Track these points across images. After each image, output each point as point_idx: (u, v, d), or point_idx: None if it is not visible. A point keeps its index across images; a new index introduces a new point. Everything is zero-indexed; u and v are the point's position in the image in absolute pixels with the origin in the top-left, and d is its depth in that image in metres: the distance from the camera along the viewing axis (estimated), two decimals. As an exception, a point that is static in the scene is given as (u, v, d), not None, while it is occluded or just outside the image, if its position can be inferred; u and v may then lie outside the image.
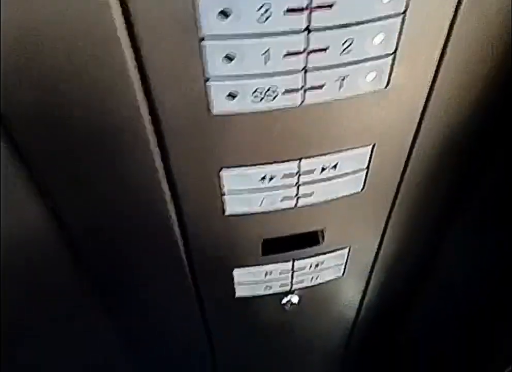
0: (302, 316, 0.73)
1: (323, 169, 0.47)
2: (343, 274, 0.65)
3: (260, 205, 0.49)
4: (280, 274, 0.60)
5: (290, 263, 0.59)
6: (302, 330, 0.77)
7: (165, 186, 0.46)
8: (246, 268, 0.59)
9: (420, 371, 0.95)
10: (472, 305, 0.72)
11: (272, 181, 0.47)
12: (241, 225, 0.52)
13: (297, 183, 0.48)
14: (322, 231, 0.56)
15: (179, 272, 0.58)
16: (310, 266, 0.61)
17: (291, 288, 0.64)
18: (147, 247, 0.54)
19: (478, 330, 0.73)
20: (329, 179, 0.48)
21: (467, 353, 0.79)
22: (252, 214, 0.51)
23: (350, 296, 0.73)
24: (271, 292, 0.63)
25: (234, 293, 0.63)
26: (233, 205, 0.49)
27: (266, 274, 0.60)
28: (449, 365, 0.86)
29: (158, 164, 0.44)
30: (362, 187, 0.51)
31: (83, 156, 0.43)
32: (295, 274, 0.61)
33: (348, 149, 0.46)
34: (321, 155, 0.45)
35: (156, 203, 0.48)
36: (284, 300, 0.66)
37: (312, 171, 0.47)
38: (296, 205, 0.50)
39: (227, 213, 0.50)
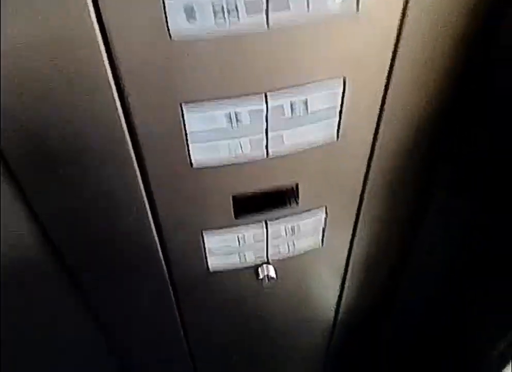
0: (282, 296, 0.68)
1: (292, 108, 0.44)
2: (322, 243, 0.61)
3: (228, 153, 0.46)
4: (254, 239, 0.56)
5: (263, 226, 0.56)
6: (283, 313, 0.73)
7: (125, 129, 0.43)
8: (218, 232, 0.55)
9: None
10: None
11: (239, 122, 0.44)
12: (210, 180, 0.49)
13: (266, 128, 0.45)
14: (295, 188, 0.53)
15: (145, 237, 0.54)
16: (286, 231, 0.57)
17: (267, 257, 0.60)
18: (110, 208, 0.50)
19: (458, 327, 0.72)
20: (300, 122, 0.45)
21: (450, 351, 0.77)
22: (220, 166, 0.47)
23: (331, 273, 0.69)
24: (246, 263, 0.59)
25: (207, 265, 0.59)
26: (199, 154, 0.46)
27: (239, 240, 0.56)
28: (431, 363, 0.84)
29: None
30: (336, 135, 0.48)
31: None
32: (270, 239, 0.57)
33: (317, 81, 0.43)
34: (289, 87, 0.42)
35: (116, 150, 0.44)
36: (261, 274, 0.62)
37: (280, 109, 0.44)
38: (266, 154, 0.47)
39: (194, 165, 0.46)
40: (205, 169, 0.47)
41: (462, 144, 0.59)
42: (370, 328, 0.87)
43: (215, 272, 0.60)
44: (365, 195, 0.58)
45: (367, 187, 0.57)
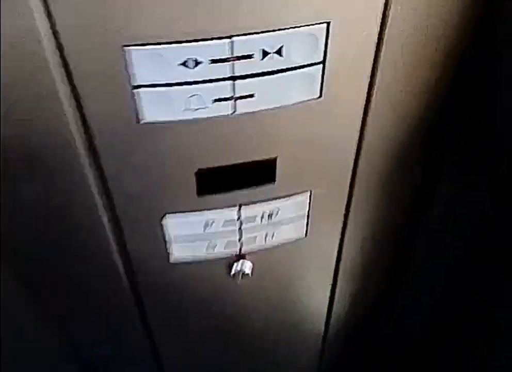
0: (259, 296, 0.59)
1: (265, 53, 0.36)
2: (306, 233, 0.52)
3: (184, 106, 0.37)
4: (224, 225, 0.47)
5: (235, 210, 0.47)
6: (263, 317, 0.63)
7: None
8: (180, 215, 0.46)
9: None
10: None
11: (199, 66, 0.35)
12: (167, 147, 0.40)
13: (231, 75, 0.36)
14: (272, 163, 0.44)
15: (96, 220, 0.45)
16: (262, 217, 0.48)
17: (240, 248, 0.51)
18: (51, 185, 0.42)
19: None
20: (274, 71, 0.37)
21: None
22: (177, 123, 0.38)
23: (319, 271, 0.60)
24: (215, 254, 0.50)
25: (168, 255, 0.49)
26: (147, 106, 0.37)
27: (206, 225, 0.47)
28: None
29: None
30: (318, 93, 0.40)
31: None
32: (244, 226, 0.48)
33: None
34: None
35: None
36: (233, 269, 0.53)
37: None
38: (233, 109, 0.38)
39: (142, 119, 0.38)
40: (153, 125, 0.39)
41: (465, 133, 0.51)
42: (366, 336, 0.77)
43: (178, 264, 0.50)
44: (356, 181, 0.49)
45: (358, 170, 0.48)
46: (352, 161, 0.47)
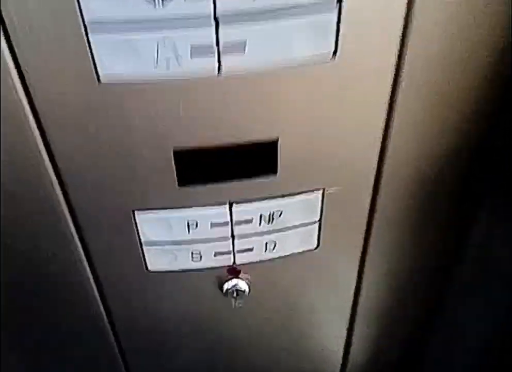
0: (256, 323, 0.49)
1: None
2: (317, 244, 0.42)
3: (154, 61, 0.28)
4: (212, 227, 0.38)
5: (225, 208, 0.37)
6: (261, 351, 0.52)
7: None
8: (156, 211, 0.36)
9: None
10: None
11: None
12: (132, 114, 0.31)
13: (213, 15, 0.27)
14: (272, 146, 0.34)
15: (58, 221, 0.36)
16: (261, 219, 0.38)
17: (234, 260, 0.41)
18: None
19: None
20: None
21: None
22: (145, 84, 0.29)
23: (332, 296, 0.49)
24: (201, 264, 0.40)
25: (145, 263, 0.40)
26: (107, 57, 0.28)
27: (188, 226, 0.37)
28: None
29: None
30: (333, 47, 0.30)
31: None
32: (237, 230, 0.38)
33: None
34: None
35: None
36: (227, 286, 0.43)
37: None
38: (218, 68, 0.29)
39: (103, 78, 0.29)
40: (124, 96, 0.30)
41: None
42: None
43: (155, 273, 0.41)
44: (382, 182, 0.39)
45: (383, 169, 0.38)
46: (377, 153, 0.37)
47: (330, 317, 0.50)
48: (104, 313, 0.44)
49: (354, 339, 0.53)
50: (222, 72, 0.29)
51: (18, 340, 0.47)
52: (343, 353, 0.56)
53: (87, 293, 0.43)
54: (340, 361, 0.57)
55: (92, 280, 0.42)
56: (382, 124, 0.35)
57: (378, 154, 0.37)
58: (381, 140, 0.36)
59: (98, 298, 0.43)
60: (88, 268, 0.40)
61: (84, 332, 0.46)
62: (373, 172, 0.38)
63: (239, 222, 0.38)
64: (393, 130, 0.35)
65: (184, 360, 0.50)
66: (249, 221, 0.38)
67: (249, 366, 0.54)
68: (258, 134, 0.33)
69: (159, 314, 0.45)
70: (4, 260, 0.38)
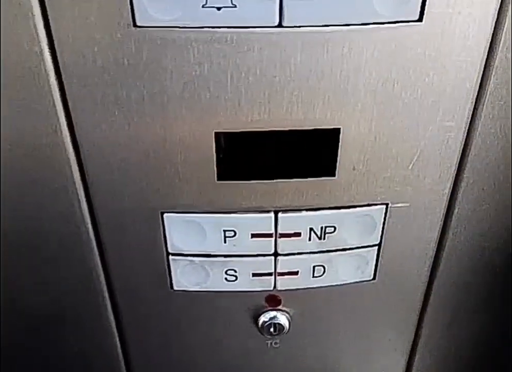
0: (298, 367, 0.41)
1: None
2: (374, 274, 0.35)
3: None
4: (253, 238, 0.32)
5: (270, 217, 0.31)
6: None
7: None
8: (188, 215, 0.31)
9: None
10: None
11: None
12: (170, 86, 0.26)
13: None
14: (332, 136, 0.28)
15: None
16: (310, 233, 0.32)
17: (274, 284, 0.34)
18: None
19: None
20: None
21: None
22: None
23: (389, 339, 0.41)
24: (234, 285, 0.34)
25: (170, 280, 0.34)
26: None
27: (225, 234, 0.31)
28: None
29: None
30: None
31: None
32: (281, 244, 0.32)
33: None
34: None
35: None
36: (263, 318, 0.36)
37: None
38: (279, 19, 0.24)
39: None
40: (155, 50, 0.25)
41: None
42: None
43: (180, 293, 0.35)
44: (458, 198, 0.33)
45: (461, 185, 0.32)
46: (456, 162, 0.31)
47: (385, 363, 0.42)
48: (117, 341, 0.38)
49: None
50: (283, 24, 0.24)
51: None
52: None
53: (101, 316, 0.37)
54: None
55: (107, 300, 0.36)
56: (467, 117, 0.29)
57: (457, 163, 0.31)
58: (461, 146, 0.30)
59: (113, 322, 0.37)
60: (103, 282, 0.35)
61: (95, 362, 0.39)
62: (449, 186, 0.32)
63: (285, 235, 0.32)
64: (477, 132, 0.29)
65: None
66: (297, 234, 0.32)
67: None
68: (317, 119, 0.27)
69: (179, 344, 0.38)
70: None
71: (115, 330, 0.38)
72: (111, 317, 0.37)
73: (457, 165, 0.31)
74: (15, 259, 0.34)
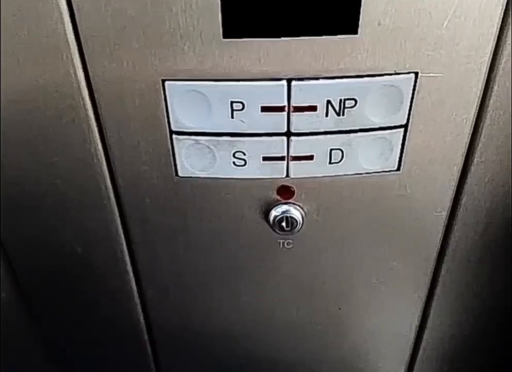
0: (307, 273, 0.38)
1: None
2: (399, 165, 0.31)
3: None
4: (263, 111, 0.28)
5: (282, 85, 0.28)
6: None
7: None
8: (191, 83, 0.28)
9: None
10: None
11: None
12: None
13: None
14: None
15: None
16: (328, 107, 0.28)
17: (287, 171, 0.31)
18: None
19: None
20: None
21: None
22: None
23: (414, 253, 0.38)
24: (247, 173, 0.31)
25: (173, 167, 0.31)
26: None
27: (232, 107, 0.28)
28: None
29: None
30: None
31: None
32: (295, 120, 0.29)
33: None
34: None
35: None
36: (275, 213, 0.33)
37: None
38: None
39: None
40: None
41: None
42: None
43: (186, 180, 0.32)
44: (499, 75, 0.29)
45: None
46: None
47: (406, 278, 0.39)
48: (123, 239, 0.36)
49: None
50: None
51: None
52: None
53: (104, 207, 0.35)
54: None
55: (110, 189, 0.33)
56: None
57: (499, 23, 0.27)
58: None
59: (117, 214, 0.35)
60: (105, 166, 0.32)
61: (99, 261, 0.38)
62: (488, 54, 0.28)
63: (299, 108, 0.28)
64: None
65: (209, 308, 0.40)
66: (312, 108, 0.28)
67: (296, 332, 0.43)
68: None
69: (185, 243, 0.35)
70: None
71: (119, 225, 0.35)
72: (115, 209, 0.34)
73: (499, 25, 0.27)
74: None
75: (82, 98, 0.29)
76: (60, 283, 0.41)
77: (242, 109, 0.28)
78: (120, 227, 0.36)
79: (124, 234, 0.36)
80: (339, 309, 0.40)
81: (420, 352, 0.46)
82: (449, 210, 0.35)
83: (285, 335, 0.43)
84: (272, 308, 0.40)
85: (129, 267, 0.38)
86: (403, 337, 0.45)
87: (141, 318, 0.42)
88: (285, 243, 0.35)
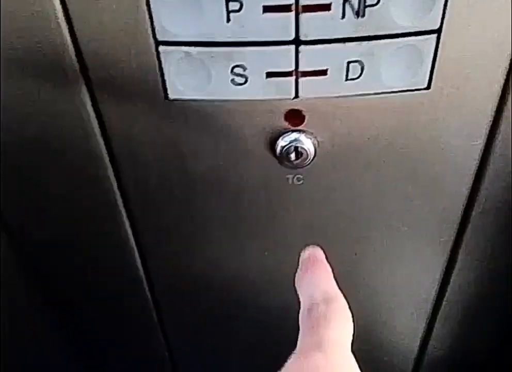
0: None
1: None
2: (429, 82, 0.26)
3: None
4: (265, 12, 0.23)
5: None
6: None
7: None
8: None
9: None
10: None
11: None
12: None
13: None
14: None
15: None
16: (344, 5, 0.23)
17: (296, 90, 0.26)
18: None
19: None
20: None
21: None
22: None
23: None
24: (247, 93, 0.26)
25: (162, 89, 0.27)
26: None
27: (228, 14, 0.23)
28: None
29: None
30: None
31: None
32: (304, 23, 0.24)
33: None
34: None
35: None
36: (283, 142, 0.29)
37: None
38: None
39: None
40: None
41: None
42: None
43: (178, 108, 0.27)
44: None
45: None
46: None
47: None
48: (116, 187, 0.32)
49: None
50: None
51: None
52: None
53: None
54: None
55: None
56: None
57: None
58: None
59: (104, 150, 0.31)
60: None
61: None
62: None
63: (309, 8, 0.23)
64: None
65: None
66: (325, 7, 0.23)
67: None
68: None
69: (180, 180, 0.31)
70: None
71: (108, 164, 0.31)
72: (102, 145, 0.30)
73: None
74: None
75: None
76: (54, 234, 0.38)
77: (240, 9, 0.23)
78: (109, 166, 0.31)
79: (115, 175, 0.32)
80: (355, 255, 0.36)
81: (442, 308, 0.42)
82: (486, 140, 0.30)
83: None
84: (280, 253, 0.36)
85: (123, 211, 0.35)
86: (425, 289, 0.41)
87: (139, 265, 0.39)
88: (295, 179, 0.31)
